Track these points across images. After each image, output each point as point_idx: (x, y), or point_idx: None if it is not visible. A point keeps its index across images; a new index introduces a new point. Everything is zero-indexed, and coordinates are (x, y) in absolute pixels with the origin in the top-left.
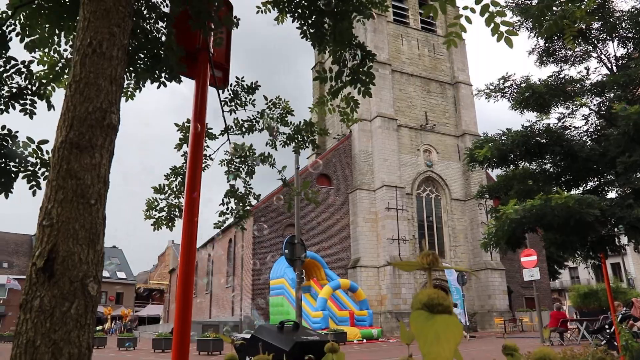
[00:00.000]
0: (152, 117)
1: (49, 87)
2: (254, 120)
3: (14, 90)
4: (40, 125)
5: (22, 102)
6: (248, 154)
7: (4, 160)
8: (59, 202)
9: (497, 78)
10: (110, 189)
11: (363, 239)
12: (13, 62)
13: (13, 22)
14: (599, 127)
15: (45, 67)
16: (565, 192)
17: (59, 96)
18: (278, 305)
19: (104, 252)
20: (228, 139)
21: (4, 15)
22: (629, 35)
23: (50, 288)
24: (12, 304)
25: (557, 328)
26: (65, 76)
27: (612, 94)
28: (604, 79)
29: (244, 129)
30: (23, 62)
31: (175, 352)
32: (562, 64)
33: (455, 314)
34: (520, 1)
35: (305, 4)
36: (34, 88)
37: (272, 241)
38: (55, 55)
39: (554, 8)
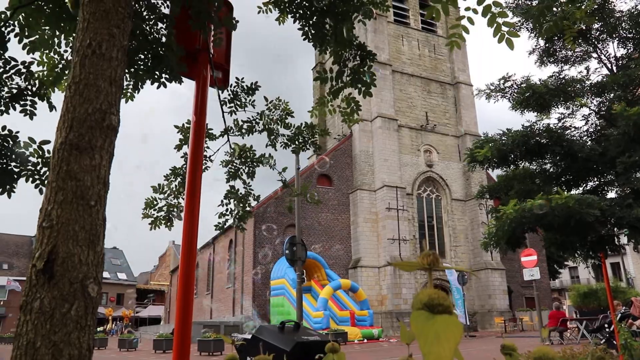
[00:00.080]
0: (152, 118)
1: (50, 88)
2: (253, 122)
3: (14, 91)
4: (40, 126)
5: (22, 103)
6: (248, 155)
7: (5, 160)
8: (58, 204)
9: (498, 78)
10: (110, 190)
11: (364, 239)
12: (13, 63)
13: (12, 22)
14: (599, 128)
15: (44, 68)
16: (566, 192)
17: (59, 97)
18: (279, 305)
19: (104, 253)
20: (228, 140)
21: (3, 16)
22: (629, 35)
23: (50, 289)
24: (13, 306)
25: (557, 327)
26: (66, 78)
27: (612, 94)
28: (604, 79)
29: (243, 130)
30: (23, 62)
31: (176, 353)
32: (563, 64)
33: (456, 314)
34: (520, 2)
35: (306, 4)
36: (34, 89)
37: (272, 241)
38: (56, 56)
39: (554, 9)
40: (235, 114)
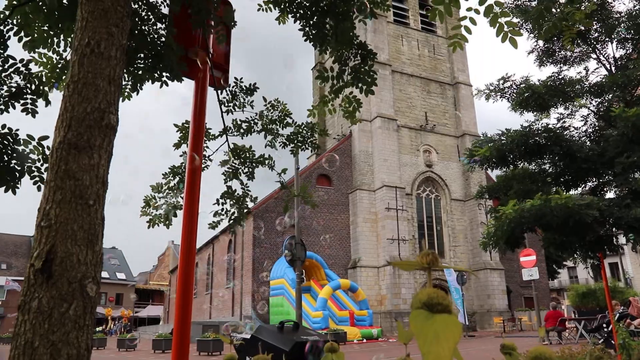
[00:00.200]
0: (151, 118)
1: (48, 87)
2: (252, 122)
3: (14, 89)
4: (40, 125)
5: (22, 101)
6: (248, 155)
7: (7, 158)
8: (57, 203)
9: (497, 78)
10: (108, 190)
11: (363, 239)
12: (12, 62)
13: (11, 21)
14: (597, 128)
15: (42, 68)
16: (565, 193)
17: (57, 95)
18: (278, 305)
19: (102, 252)
20: (227, 140)
21: (2, 15)
22: (628, 36)
23: (48, 289)
24: (11, 306)
25: (555, 327)
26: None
27: (611, 95)
28: (603, 80)
29: (242, 130)
30: (22, 60)
31: (175, 353)
32: (562, 65)
33: (455, 313)
34: (520, 2)
35: (307, 4)
36: (33, 87)
37: (272, 241)
38: (55, 56)
39: (553, 10)
40: (233, 113)
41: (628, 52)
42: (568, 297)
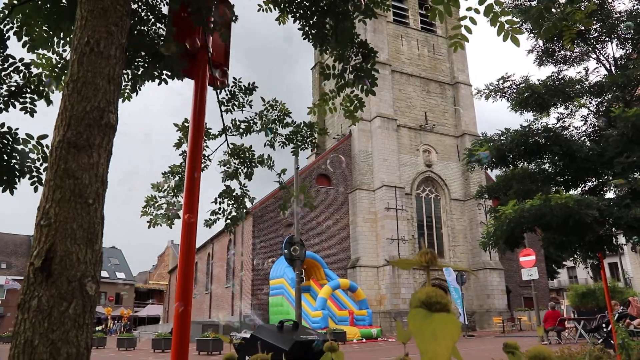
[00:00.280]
0: (150, 117)
1: (47, 87)
2: (251, 122)
3: (13, 88)
4: (39, 124)
5: (21, 100)
6: (247, 155)
7: (6, 158)
8: (56, 202)
9: (497, 78)
10: (108, 189)
11: (362, 239)
12: (11, 61)
13: (11, 20)
14: (597, 128)
15: (40, 70)
16: (564, 193)
17: (57, 94)
18: (278, 305)
19: (102, 251)
20: (226, 140)
21: (1, 15)
22: (628, 36)
23: (48, 288)
24: (11, 305)
25: (555, 327)
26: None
27: (611, 95)
28: (603, 79)
29: (241, 130)
30: (21, 59)
31: (175, 352)
32: (561, 65)
33: (454, 312)
34: (519, 2)
35: (307, 4)
36: (32, 86)
37: (271, 241)
38: (55, 56)
39: (553, 10)
40: (232, 113)
41: (628, 52)
42: (567, 297)
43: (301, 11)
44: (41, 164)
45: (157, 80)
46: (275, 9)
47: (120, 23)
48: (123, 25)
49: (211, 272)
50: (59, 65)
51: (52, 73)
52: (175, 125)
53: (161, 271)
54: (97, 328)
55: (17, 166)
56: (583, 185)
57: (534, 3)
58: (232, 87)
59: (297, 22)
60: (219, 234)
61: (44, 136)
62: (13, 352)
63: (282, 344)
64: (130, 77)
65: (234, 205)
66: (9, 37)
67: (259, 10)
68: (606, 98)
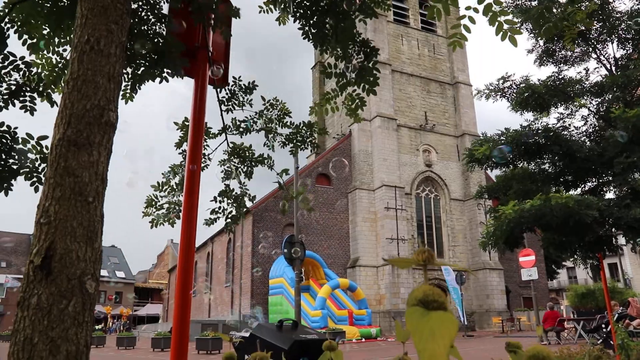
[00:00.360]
0: (150, 116)
1: (50, 87)
2: (251, 120)
3: (13, 87)
4: (37, 123)
5: (21, 99)
6: (247, 154)
7: (4, 157)
8: (56, 200)
9: (497, 78)
10: (108, 188)
11: (362, 239)
12: (11, 59)
13: (11, 19)
14: (597, 128)
15: (40, 70)
16: (564, 193)
17: (58, 94)
18: (277, 304)
19: (101, 249)
20: (226, 139)
21: (1, 13)
22: (628, 36)
23: (47, 286)
24: (11, 303)
25: (554, 327)
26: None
27: (611, 95)
28: (603, 79)
29: (241, 129)
30: (22, 57)
31: (174, 351)
32: (562, 65)
33: (451, 310)
34: (520, 2)
35: (307, 3)
36: (33, 85)
37: (271, 240)
38: (54, 56)
39: (554, 10)
40: (232, 112)
41: (628, 52)
42: (567, 298)
43: (301, 11)
44: (39, 165)
45: (157, 79)
46: (275, 10)
47: (120, 21)
48: (123, 24)
49: (211, 272)
50: (59, 65)
51: (53, 73)
52: (176, 124)
53: (161, 270)
54: (96, 327)
55: (14, 166)
56: (583, 185)
57: (534, 3)
58: (232, 86)
59: (297, 22)
60: (218, 233)
61: (44, 137)
62: (13, 350)
63: (281, 343)
64: (130, 76)
65: (234, 204)
66: (9, 36)
67: (260, 12)
68: (606, 98)
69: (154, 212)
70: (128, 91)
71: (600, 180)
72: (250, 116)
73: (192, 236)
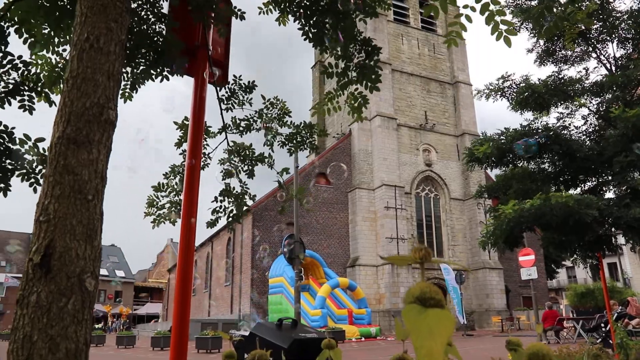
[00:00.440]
0: (149, 115)
1: (49, 87)
2: (251, 120)
3: (11, 86)
4: (36, 122)
5: (19, 98)
6: (247, 153)
7: (1, 158)
8: (56, 198)
9: (497, 78)
10: (108, 187)
11: (362, 238)
12: (10, 57)
13: (11, 17)
14: (597, 128)
15: (39, 70)
16: (564, 192)
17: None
18: (277, 303)
19: (101, 248)
20: (226, 138)
21: (1, 13)
22: (628, 36)
23: (47, 283)
24: (11, 302)
25: (553, 327)
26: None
27: (611, 95)
28: (603, 79)
29: (241, 128)
30: (20, 57)
31: (174, 350)
32: (562, 64)
33: (448, 307)
34: (520, 1)
35: (307, 3)
36: (31, 84)
37: (271, 240)
38: (54, 56)
39: (554, 9)
40: (232, 111)
41: (628, 51)
42: (567, 297)
43: (301, 11)
44: (36, 166)
45: (158, 78)
46: (275, 10)
47: (119, 19)
48: (123, 22)
49: (210, 271)
50: (59, 65)
51: (53, 73)
52: (175, 123)
53: (160, 269)
54: (96, 326)
55: (9, 166)
56: (583, 184)
57: (534, 2)
58: (232, 84)
59: (297, 21)
60: (218, 233)
61: (41, 139)
62: (12, 347)
63: (280, 342)
64: (130, 75)
65: (235, 203)
66: (9, 34)
67: (259, 13)
68: (606, 98)
69: (156, 212)
70: (127, 90)
71: (600, 180)
72: (250, 115)
73: (192, 235)
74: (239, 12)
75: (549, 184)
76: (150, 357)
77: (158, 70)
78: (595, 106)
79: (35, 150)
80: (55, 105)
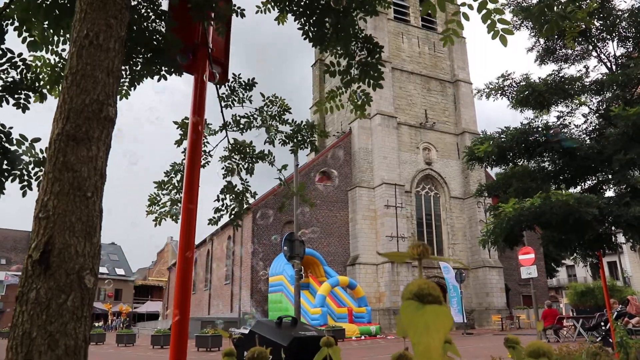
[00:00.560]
0: (149, 114)
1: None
2: (251, 117)
3: (9, 84)
4: (35, 121)
5: (16, 96)
6: (248, 150)
7: None
8: (55, 195)
9: (497, 76)
10: (107, 185)
11: (362, 237)
12: (9, 55)
13: (10, 15)
14: (597, 127)
15: (38, 70)
16: (564, 191)
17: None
18: (277, 302)
19: (100, 244)
20: (226, 136)
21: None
22: (629, 34)
23: (46, 280)
24: (11, 300)
25: (553, 325)
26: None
27: (611, 93)
28: (604, 77)
29: (241, 126)
30: (20, 54)
31: (174, 349)
32: (562, 63)
33: (446, 304)
34: (520, 0)
35: (307, 1)
36: (28, 83)
37: (271, 238)
38: (53, 57)
39: (555, 8)
40: (232, 108)
41: (629, 50)
42: (567, 296)
43: (301, 9)
44: (33, 168)
45: (155, 77)
46: (274, 9)
47: (119, 16)
48: (122, 18)
49: (210, 269)
50: (59, 65)
51: (54, 75)
52: (175, 123)
53: (160, 267)
54: (96, 324)
55: (5, 167)
56: (583, 183)
57: (534, 1)
58: (231, 82)
59: (297, 21)
60: (218, 231)
61: (37, 139)
62: (11, 344)
63: (280, 340)
64: (128, 73)
65: (237, 201)
66: (7, 31)
67: (257, 12)
68: (606, 96)
69: (157, 210)
70: (125, 88)
71: (600, 178)
72: (250, 112)
73: (192, 233)
74: (238, 10)
75: (549, 182)
76: (150, 355)
77: (155, 69)
78: (596, 105)
79: (32, 151)
80: (46, 100)
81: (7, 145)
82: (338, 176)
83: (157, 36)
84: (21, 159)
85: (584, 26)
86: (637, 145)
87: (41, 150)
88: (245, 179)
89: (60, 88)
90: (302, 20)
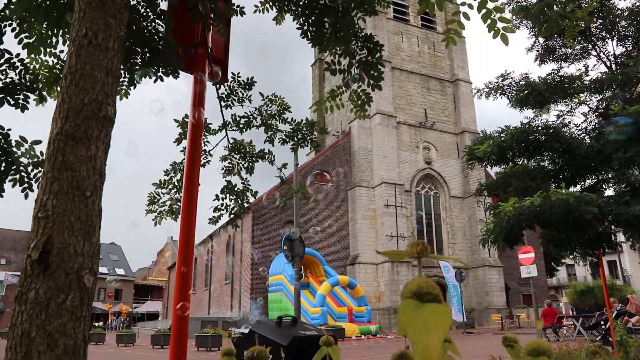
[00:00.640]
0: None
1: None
2: (251, 117)
3: (8, 84)
4: (34, 121)
5: (15, 96)
6: (248, 150)
7: None
8: (54, 194)
9: (496, 76)
10: (107, 184)
11: (362, 236)
12: (7, 56)
13: (9, 16)
14: (597, 125)
15: (38, 71)
16: (564, 190)
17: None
18: (277, 301)
19: (99, 244)
20: (226, 135)
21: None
22: (628, 33)
23: (45, 280)
24: (10, 300)
25: (553, 324)
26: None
27: (611, 92)
28: (603, 76)
29: (241, 125)
30: (17, 55)
31: (173, 348)
32: (562, 62)
33: (445, 303)
34: None
35: (306, 1)
36: (27, 83)
37: (271, 237)
38: (52, 58)
39: (555, 7)
40: (232, 108)
41: (628, 49)
42: (566, 295)
43: (300, 9)
44: (32, 170)
45: (152, 78)
46: (273, 9)
47: (118, 15)
48: (121, 18)
49: (210, 269)
50: (57, 67)
51: (51, 76)
52: (176, 121)
53: (160, 267)
54: (96, 324)
55: (4, 168)
56: (582, 182)
57: (534, 0)
58: (231, 82)
59: (295, 20)
60: (218, 231)
61: (38, 142)
62: (10, 344)
63: (280, 339)
64: (127, 72)
65: (237, 200)
66: (5, 33)
67: (255, 11)
68: (606, 95)
69: (157, 209)
70: (124, 88)
71: (600, 177)
72: (250, 112)
73: (192, 233)
74: (238, 9)
75: (549, 181)
76: (150, 355)
77: (153, 69)
78: (595, 104)
79: (32, 153)
80: (46, 102)
81: (6, 147)
82: (337, 175)
83: (156, 37)
84: (20, 161)
85: (583, 25)
86: (637, 144)
87: (41, 153)
88: (246, 178)
89: (58, 89)
90: (301, 20)
